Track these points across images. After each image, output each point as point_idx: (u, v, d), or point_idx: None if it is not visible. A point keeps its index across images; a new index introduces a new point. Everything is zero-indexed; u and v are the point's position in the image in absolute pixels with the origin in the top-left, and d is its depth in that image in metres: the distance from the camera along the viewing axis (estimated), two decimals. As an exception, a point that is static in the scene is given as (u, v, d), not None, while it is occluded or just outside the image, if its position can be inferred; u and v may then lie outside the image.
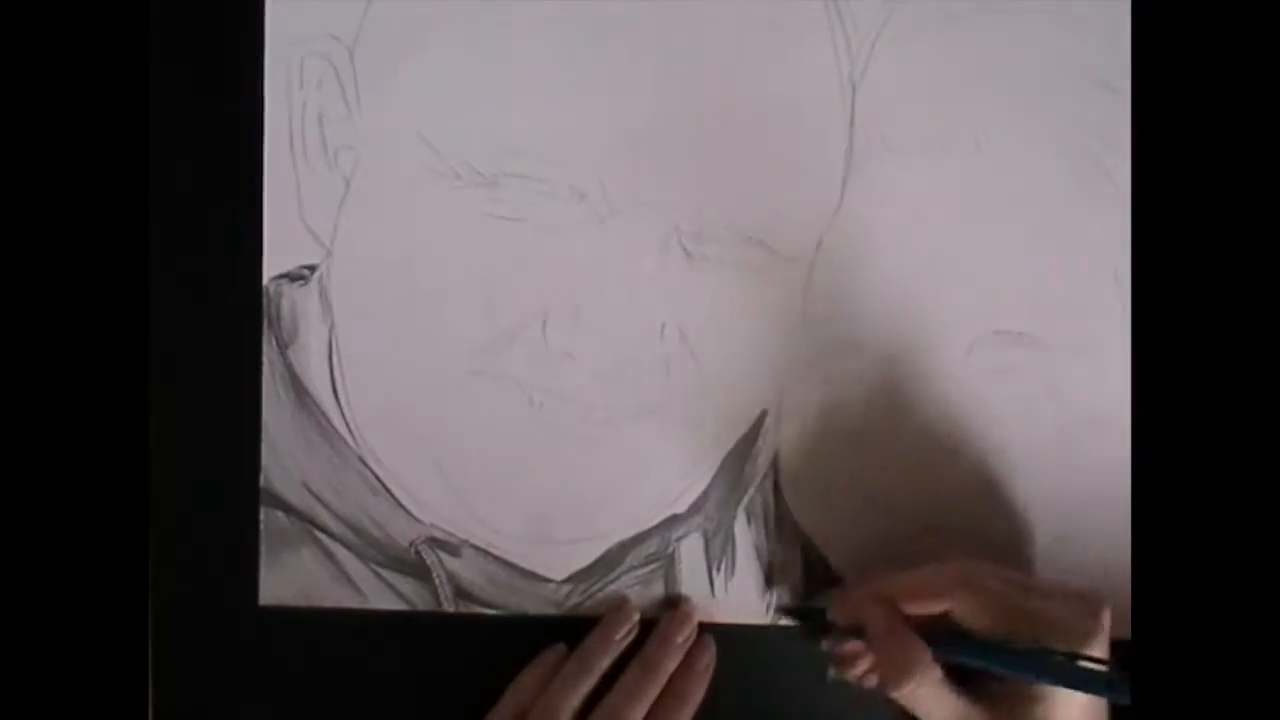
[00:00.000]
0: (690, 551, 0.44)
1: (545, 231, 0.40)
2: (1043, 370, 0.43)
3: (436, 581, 0.43)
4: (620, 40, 0.40)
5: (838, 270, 0.41)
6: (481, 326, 0.41)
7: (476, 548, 0.43)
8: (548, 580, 0.44)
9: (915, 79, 0.40)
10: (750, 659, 0.44)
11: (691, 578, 0.44)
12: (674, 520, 0.44)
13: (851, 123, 0.40)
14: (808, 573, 0.44)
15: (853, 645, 0.40)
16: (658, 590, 0.44)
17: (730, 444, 0.43)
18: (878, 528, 0.44)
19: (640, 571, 0.44)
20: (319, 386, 0.42)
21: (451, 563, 0.43)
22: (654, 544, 0.44)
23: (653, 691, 0.42)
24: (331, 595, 0.43)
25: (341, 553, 0.43)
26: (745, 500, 0.44)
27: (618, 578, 0.44)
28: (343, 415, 0.42)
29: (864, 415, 0.43)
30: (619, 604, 0.44)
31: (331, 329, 0.41)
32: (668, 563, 0.44)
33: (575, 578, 0.44)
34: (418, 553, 0.43)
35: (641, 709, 0.42)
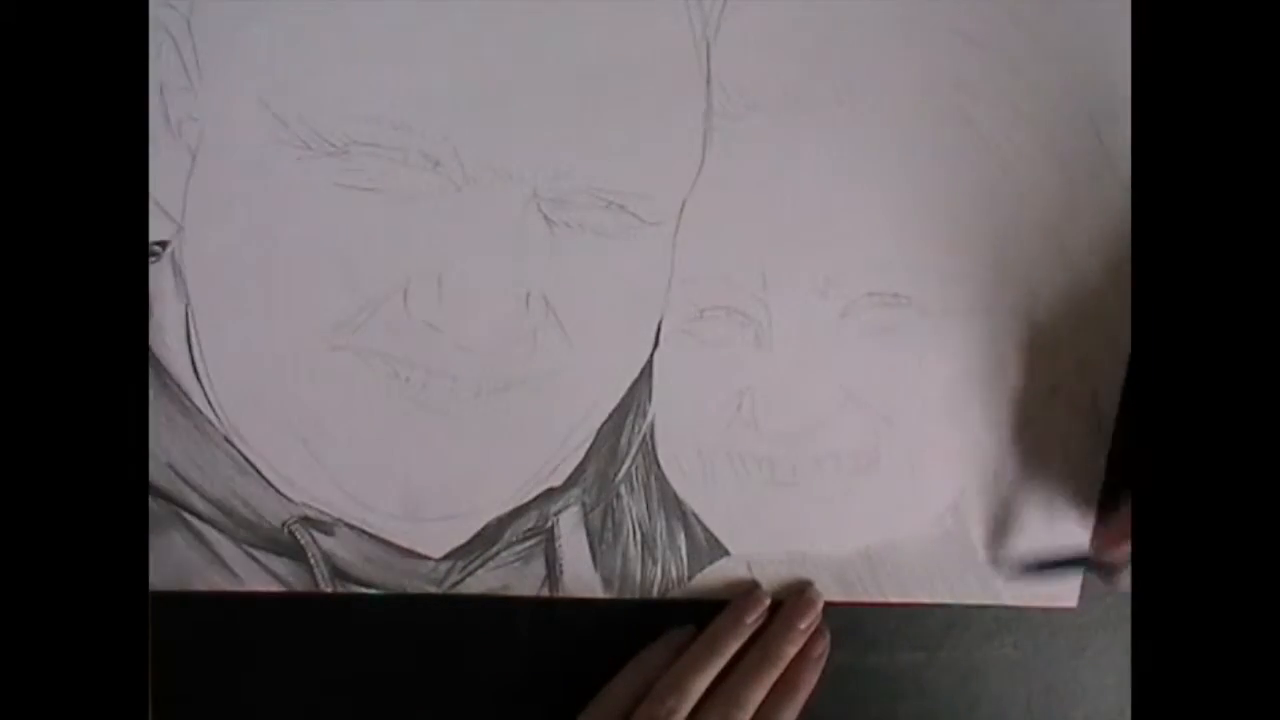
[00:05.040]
0: (570, 525, 0.43)
1: (401, 201, 0.39)
2: (918, 332, 0.42)
3: (312, 561, 0.42)
4: (466, 1, 0.39)
5: (704, 232, 0.40)
6: (341, 299, 0.40)
7: (351, 526, 0.42)
8: (426, 558, 0.43)
9: (771, 34, 0.39)
10: (639, 635, 0.44)
11: (573, 552, 0.43)
12: (551, 494, 0.43)
13: (708, 81, 0.39)
14: (691, 543, 0.43)
15: None
16: (539, 566, 0.43)
17: (605, 414, 0.42)
18: (757, 496, 0.43)
19: (520, 547, 0.43)
20: (178, 366, 0.41)
21: (326, 542, 0.42)
22: (532, 518, 0.43)
23: (773, 675, 0.42)
24: (206, 579, 0.42)
25: (213, 535, 0.42)
26: (623, 472, 0.43)
27: (497, 554, 0.43)
28: (205, 394, 0.41)
29: (739, 380, 0.42)
30: (749, 588, 0.43)
31: (187, 306, 0.40)
32: (548, 537, 0.43)
33: (454, 555, 0.43)
34: (291, 533, 0.42)
35: (761, 692, 0.41)
